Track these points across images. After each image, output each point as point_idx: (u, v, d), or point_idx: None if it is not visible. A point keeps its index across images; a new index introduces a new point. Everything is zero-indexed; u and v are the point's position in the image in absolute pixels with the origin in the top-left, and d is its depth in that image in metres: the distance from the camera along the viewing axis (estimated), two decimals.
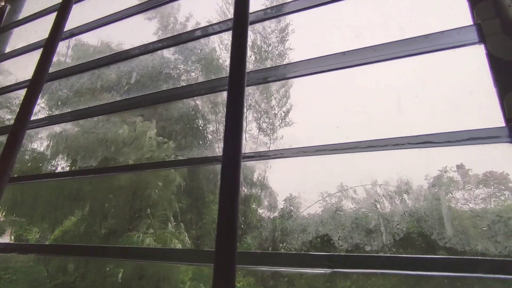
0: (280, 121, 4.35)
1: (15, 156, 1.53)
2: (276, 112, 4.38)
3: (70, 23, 2.75)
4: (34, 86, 1.71)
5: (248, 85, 1.79)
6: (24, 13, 3.43)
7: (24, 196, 4.78)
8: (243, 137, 1.23)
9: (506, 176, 1.85)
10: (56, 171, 4.55)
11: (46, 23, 2.00)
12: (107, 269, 4.04)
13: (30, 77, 1.76)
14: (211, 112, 5.16)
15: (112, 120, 4.61)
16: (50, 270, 4.29)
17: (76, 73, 2.60)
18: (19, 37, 3.41)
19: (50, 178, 2.49)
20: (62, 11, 1.99)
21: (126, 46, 2.40)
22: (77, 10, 2.39)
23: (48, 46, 1.85)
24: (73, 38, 2.79)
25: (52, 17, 2.05)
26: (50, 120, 2.48)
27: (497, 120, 1.18)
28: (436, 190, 1.94)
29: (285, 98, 4.41)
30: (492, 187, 1.99)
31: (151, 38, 2.28)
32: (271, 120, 4.37)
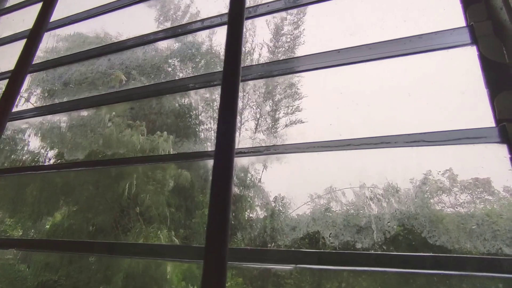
0: (275, 121, 4.34)
1: None
2: (271, 109, 4.37)
3: (60, 13, 2.69)
4: (15, 78, 1.65)
5: (242, 80, 1.77)
6: (11, 1, 3.32)
7: (6, 190, 4.63)
8: (236, 133, 1.20)
9: (489, 180, 1.90)
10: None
11: (34, 12, 1.93)
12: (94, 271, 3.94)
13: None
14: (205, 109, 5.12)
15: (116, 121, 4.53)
16: (32, 267, 4.16)
17: (61, 65, 2.52)
18: (5, 26, 3.31)
19: (34, 171, 2.41)
20: (49, 0, 1.92)
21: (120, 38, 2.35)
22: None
23: (32, 37, 1.78)
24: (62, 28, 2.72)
25: (40, 6, 1.98)
26: (33, 112, 2.40)
27: (488, 120, 1.20)
28: (427, 188, 1.97)
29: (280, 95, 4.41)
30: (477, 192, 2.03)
31: (149, 29, 2.23)
32: (264, 117, 4.36)
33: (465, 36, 1.38)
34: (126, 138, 4.48)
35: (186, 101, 5.14)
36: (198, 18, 2.05)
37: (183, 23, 2.13)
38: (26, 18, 3.04)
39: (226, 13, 1.85)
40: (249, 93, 4.55)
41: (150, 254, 1.57)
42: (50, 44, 3.43)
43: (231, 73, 1.20)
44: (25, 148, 5.07)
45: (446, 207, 2.10)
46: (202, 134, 5.15)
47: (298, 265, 1.21)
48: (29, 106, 3.89)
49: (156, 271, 3.81)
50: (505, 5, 1.30)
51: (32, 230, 4.65)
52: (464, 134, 1.25)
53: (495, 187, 1.87)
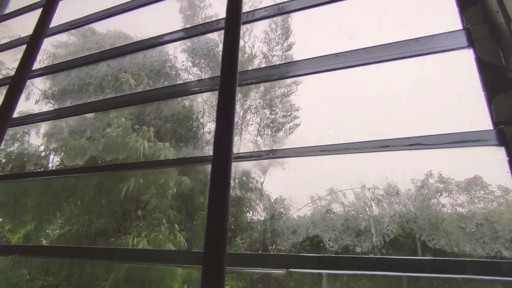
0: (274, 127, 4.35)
1: None
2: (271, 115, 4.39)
3: (60, 19, 2.70)
4: (16, 84, 1.65)
5: (240, 85, 1.78)
6: (10, 7, 3.34)
7: (7, 195, 4.64)
8: (235, 137, 1.21)
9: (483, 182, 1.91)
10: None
11: (33, 18, 1.94)
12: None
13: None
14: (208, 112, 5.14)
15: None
16: (32, 273, 4.15)
17: (62, 70, 2.53)
18: (5, 32, 3.33)
19: (35, 177, 2.42)
20: (48, 7, 1.93)
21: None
22: (67, 4, 2.33)
23: (32, 43, 1.79)
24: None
25: (39, 12, 1.99)
26: (34, 118, 2.41)
27: (486, 123, 1.20)
28: (426, 191, 1.97)
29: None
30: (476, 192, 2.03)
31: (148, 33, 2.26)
32: (264, 121, 4.37)
33: (461, 39, 1.39)
34: (131, 144, 4.50)
35: (187, 104, 5.16)
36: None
37: (182, 28, 2.14)
38: (26, 24, 3.06)
39: (223, 18, 1.86)
40: (249, 98, 4.57)
41: (151, 259, 1.57)
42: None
43: (228, 77, 1.20)
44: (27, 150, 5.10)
45: (445, 208, 2.10)
46: (204, 137, 5.16)
47: (289, 269, 1.21)
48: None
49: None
50: (501, 8, 1.30)
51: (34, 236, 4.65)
52: (462, 137, 1.25)
53: (493, 190, 1.86)
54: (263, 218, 3.91)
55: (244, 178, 4.43)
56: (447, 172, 2.01)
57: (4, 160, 5.00)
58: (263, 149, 4.17)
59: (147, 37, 2.32)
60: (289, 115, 4.16)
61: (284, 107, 4.25)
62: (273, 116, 4.35)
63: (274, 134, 4.30)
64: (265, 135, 4.39)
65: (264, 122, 4.37)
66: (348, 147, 1.43)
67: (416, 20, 1.63)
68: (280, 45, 4.34)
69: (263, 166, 3.95)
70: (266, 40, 4.45)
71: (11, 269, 4.04)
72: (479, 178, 1.91)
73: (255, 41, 4.51)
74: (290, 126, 4.13)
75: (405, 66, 1.51)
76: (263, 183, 4.30)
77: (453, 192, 2.10)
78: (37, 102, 5.26)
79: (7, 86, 1.71)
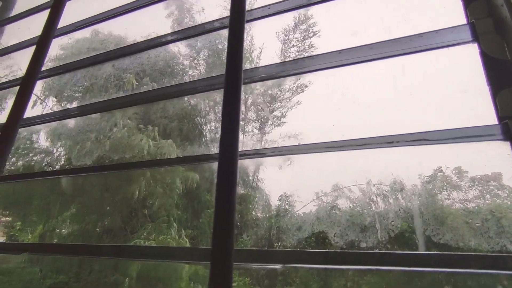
0: (276, 121, 4.36)
1: (7, 154, 1.51)
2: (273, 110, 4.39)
3: (67, 20, 2.73)
4: (26, 84, 1.69)
5: (244, 83, 1.79)
6: (17, 9, 3.38)
7: (17, 195, 4.72)
8: (240, 135, 1.22)
9: (497, 175, 1.89)
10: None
11: (40, 20, 1.98)
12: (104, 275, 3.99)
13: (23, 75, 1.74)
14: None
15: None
16: (44, 270, 4.24)
17: (70, 70, 2.57)
18: (12, 34, 3.37)
19: (44, 176, 2.46)
20: (56, 8, 1.96)
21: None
22: (73, 6, 2.36)
23: (41, 44, 1.83)
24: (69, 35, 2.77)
25: (46, 14, 2.02)
26: (43, 118, 2.45)
27: (491, 118, 1.20)
28: (431, 187, 1.96)
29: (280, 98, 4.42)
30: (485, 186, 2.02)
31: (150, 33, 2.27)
32: (266, 117, 4.37)
33: (466, 33, 1.38)
34: (136, 143, 4.54)
35: (193, 102, 5.18)
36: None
37: (184, 27, 2.16)
38: (32, 26, 3.10)
39: (227, 17, 1.87)
40: (253, 95, 4.58)
41: (159, 256, 1.60)
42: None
43: (233, 76, 1.22)
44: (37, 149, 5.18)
45: (452, 203, 2.09)
46: (208, 135, 5.18)
47: (285, 265, 1.24)
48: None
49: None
50: (506, 2, 1.29)
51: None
52: (466, 132, 1.25)
53: (499, 184, 1.85)
54: (268, 215, 3.93)
55: (244, 177, 4.45)
56: (452, 167, 2.01)
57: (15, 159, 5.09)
58: (267, 146, 4.18)
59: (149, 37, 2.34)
60: (291, 113, 4.18)
61: (288, 105, 4.26)
62: (277, 113, 4.36)
63: (277, 130, 4.32)
64: (268, 133, 4.41)
65: (267, 117, 4.38)
66: (352, 143, 1.44)
67: (420, 15, 1.63)
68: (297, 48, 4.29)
69: (267, 164, 3.96)
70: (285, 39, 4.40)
71: (24, 267, 4.13)
72: (499, 174, 1.89)
73: (252, 40, 4.49)
74: (292, 124, 4.14)
75: (409, 62, 1.51)
76: (264, 179, 4.33)
77: (463, 187, 2.10)
78: (34, 105, 5.28)
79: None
